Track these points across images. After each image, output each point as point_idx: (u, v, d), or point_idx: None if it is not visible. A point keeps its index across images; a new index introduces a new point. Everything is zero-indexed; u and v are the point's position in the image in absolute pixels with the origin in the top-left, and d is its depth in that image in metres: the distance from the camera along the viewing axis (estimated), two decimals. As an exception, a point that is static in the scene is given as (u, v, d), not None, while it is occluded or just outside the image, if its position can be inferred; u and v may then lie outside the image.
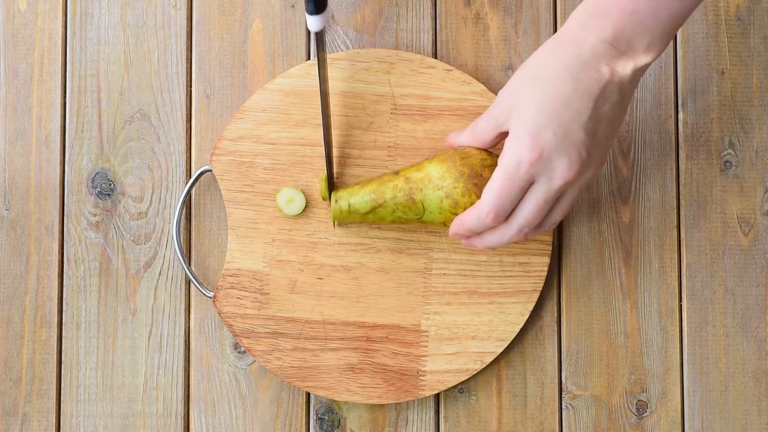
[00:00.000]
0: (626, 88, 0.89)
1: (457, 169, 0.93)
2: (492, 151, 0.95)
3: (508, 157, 0.88)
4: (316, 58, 0.93)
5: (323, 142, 0.98)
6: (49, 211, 1.04)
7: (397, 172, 0.96)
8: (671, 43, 1.05)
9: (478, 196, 0.92)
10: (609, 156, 1.04)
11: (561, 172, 0.87)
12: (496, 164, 0.91)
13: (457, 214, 0.93)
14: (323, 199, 1.00)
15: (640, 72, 0.89)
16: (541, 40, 1.05)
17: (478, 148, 0.94)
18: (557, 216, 0.91)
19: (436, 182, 0.93)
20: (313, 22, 0.89)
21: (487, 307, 1.01)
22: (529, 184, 0.88)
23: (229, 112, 1.05)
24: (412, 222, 0.97)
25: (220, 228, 1.04)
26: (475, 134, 0.93)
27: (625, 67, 0.88)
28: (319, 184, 1.01)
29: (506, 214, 0.89)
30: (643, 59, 0.88)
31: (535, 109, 0.87)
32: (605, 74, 0.87)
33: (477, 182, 0.92)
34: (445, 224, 0.95)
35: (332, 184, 1.00)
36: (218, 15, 1.06)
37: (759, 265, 1.04)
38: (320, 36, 0.91)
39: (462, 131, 0.96)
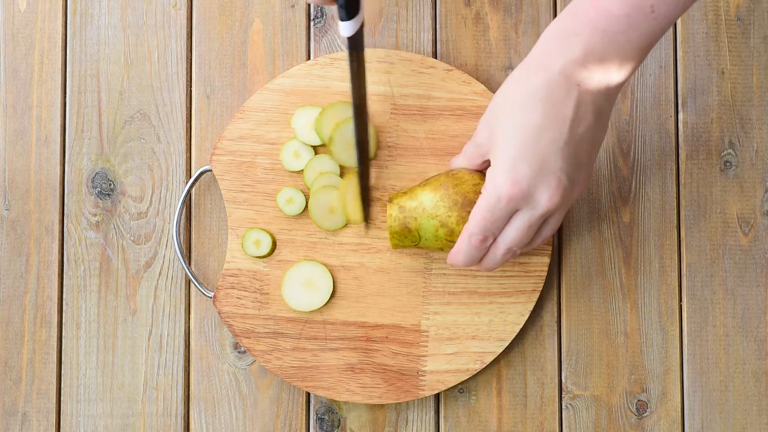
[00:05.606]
0: (602, 107, 0.86)
1: (450, 198, 0.93)
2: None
3: (489, 190, 0.88)
4: (348, 67, 0.88)
5: (357, 162, 0.94)
6: (49, 211, 1.04)
7: (390, 200, 0.96)
8: (671, 43, 1.05)
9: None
10: (609, 156, 1.04)
11: (543, 202, 0.87)
12: None
13: (454, 242, 0.93)
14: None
15: (615, 90, 0.86)
16: (541, 40, 1.05)
17: (471, 172, 0.94)
18: (547, 233, 0.91)
19: (429, 211, 0.93)
20: (345, 28, 0.83)
21: (487, 307, 1.01)
22: (512, 213, 0.88)
23: (229, 112, 1.05)
24: (410, 248, 0.97)
25: (220, 228, 1.04)
26: (466, 157, 0.94)
27: (599, 87, 0.85)
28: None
29: (493, 237, 0.90)
30: (616, 77, 0.85)
31: (510, 141, 0.86)
32: (577, 96, 0.85)
33: (471, 210, 0.92)
34: (443, 249, 0.95)
35: (368, 203, 0.97)
36: (218, 15, 1.06)
37: (759, 265, 1.04)
38: (353, 41, 0.85)
39: (457, 156, 0.96)
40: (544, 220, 0.89)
